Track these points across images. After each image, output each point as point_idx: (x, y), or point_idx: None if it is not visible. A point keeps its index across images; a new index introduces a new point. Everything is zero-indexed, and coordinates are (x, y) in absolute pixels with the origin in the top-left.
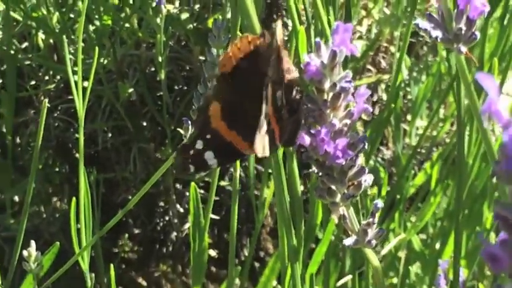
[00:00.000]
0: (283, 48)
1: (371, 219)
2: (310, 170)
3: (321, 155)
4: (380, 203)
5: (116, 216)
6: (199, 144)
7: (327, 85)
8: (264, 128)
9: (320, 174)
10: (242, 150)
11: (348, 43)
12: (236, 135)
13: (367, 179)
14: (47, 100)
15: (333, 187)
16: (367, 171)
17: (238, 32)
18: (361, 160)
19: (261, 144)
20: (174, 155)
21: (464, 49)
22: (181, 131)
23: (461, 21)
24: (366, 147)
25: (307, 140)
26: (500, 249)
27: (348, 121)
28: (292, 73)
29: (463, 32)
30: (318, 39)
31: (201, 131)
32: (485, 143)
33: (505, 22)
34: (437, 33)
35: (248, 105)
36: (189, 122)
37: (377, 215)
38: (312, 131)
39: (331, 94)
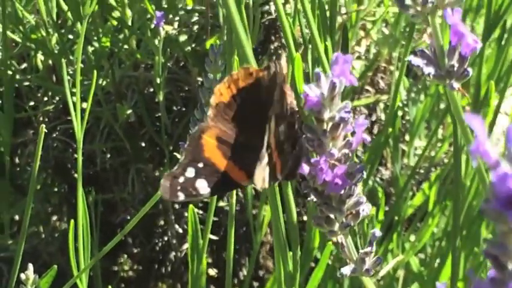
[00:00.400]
0: (287, 83)
1: (369, 248)
2: (309, 199)
3: (320, 184)
4: (378, 232)
5: (114, 238)
6: (190, 173)
7: (326, 115)
8: (265, 160)
9: (318, 203)
10: (238, 180)
11: (347, 74)
12: (233, 165)
13: (365, 208)
14: (43, 126)
15: (331, 216)
16: (365, 200)
17: (236, 57)
18: (359, 189)
19: (261, 176)
20: (162, 181)
21: (456, 85)
22: (178, 156)
23: (454, 58)
24: (365, 175)
25: (306, 169)
26: (489, 287)
27: (347, 151)
28: (295, 108)
29: (455, 68)
30: (317, 69)
31: (193, 159)
32: (480, 178)
33: (503, 43)
34: (429, 70)
35: (246, 137)
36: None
37: (374, 243)
38: (311, 160)
39: (330, 124)
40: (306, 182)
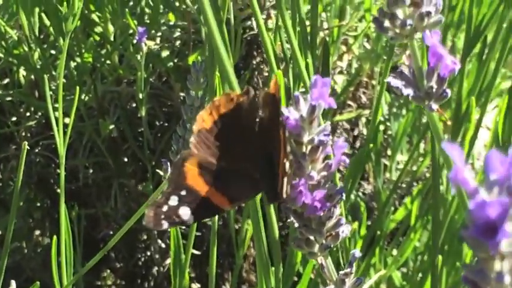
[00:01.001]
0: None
1: (349, 269)
2: (289, 221)
3: (299, 206)
4: (358, 252)
5: (97, 254)
6: (173, 201)
7: (305, 138)
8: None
9: (298, 225)
10: (220, 205)
11: (326, 97)
12: (214, 191)
13: (345, 229)
14: (26, 143)
15: (311, 237)
16: (344, 221)
17: (217, 73)
18: (338, 210)
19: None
20: (146, 211)
21: (435, 107)
22: (161, 172)
23: (432, 79)
24: (344, 197)
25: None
26: None
27: (326, 173)
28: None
29: (434, 90)
30: (296, 93)
31: (175, 187)
32: (462, 203)
33: (484, 57)
34: (408, 91)
35: (228, 161)
36: (168, 164)
37: (354, 264)
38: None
39: (309, 147)
40: (285, 204)
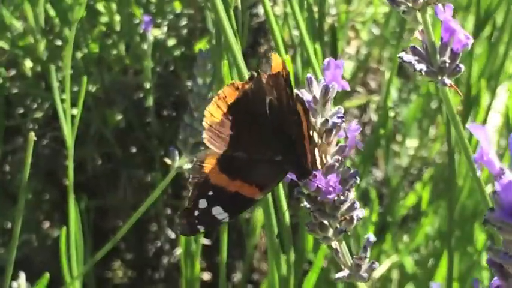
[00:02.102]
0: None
1: (363, 254)
2: (302, 205)
3: (313, 191)
4: (372, 236)
5: (107, 245)
6: (202, 204)
7: (319, 120)
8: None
9: (312, 209)
10: (251, 196)
11: (339, 79)
12: (241, 183)
13: (359, 213)
14: (33, 133)
15: (325, 222)
16: (358, 205)
17: (225, 61)
18: (352, 195)
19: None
20: (178, 221)
21: (448, 81)
22: (168, 161)
23: (446, 54)
24: (358, 180)
25: None
26: None
27: (339, 157)
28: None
29: (447, 64)
30: (309, 75)
31: (201, 190)
32: (479, 188)
33: (493, 40)
34: (421, 66)
35: (247, 149)
36: (176, 152)
37: (369, 248)
38: None
39: (323, 130)
40: (298, 188)
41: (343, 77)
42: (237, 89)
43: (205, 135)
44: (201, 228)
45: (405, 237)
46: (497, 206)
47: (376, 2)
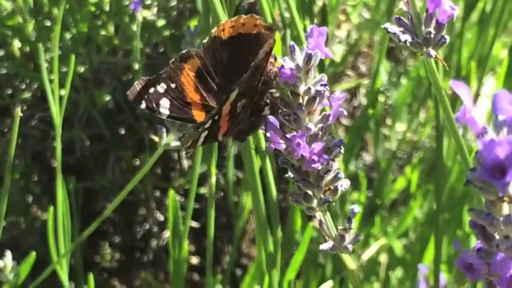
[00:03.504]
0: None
1: (347, 225)
2: (286, 175)
3: (297, 160)
4: (357, 207)
5: (94, 223)
6: (161, 88)
7: (302, 89)
8: (207, 125)
9: (296, 179)
10: (195, 117)
11: (322, 47)
12: (198, 100)
13: (344, 183)
14: (19, 109)
15: (309, 192)
16: (343, 175)
17: None
18: (337, 165)
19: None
20: (135, 83)
21: (433, 53)
22: (156, 138)
23: (431, 25)
24: (343, 151)
25: (282, 144)
26: (476, 258)
27: (324, 125)
28: (272, 78)
29: (432, 35)
30: (292, 42)
31: (169, 76)
32: (460, 151)
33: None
34: (406, 37)
35: (222, 81)
36: (163, 129)
37: (354, 220)
38: (287, 135)
39: (306, 98)
40: (282, 158)
41: (330, 64)
42: (255, 26)
43: (205, 41)
44: (142, 104)
45: (394, 221)
46: (479, 165)
47: None
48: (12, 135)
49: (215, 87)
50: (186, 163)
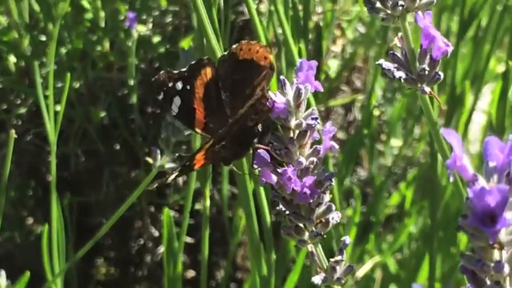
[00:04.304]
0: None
1: (339, 257)
2: (277, 208)
3: (288, 194)
4: (348, 239)
5: (89, 242)
6: (179, 84)
7: (293, 122)
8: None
9: (287, 212)
10: (193, 125)
11: (312, 80)
12: (201, 109)
13: (335, 216)
14: (13, 131)
15: (301, 225)
16: (334, 208)
17: None
18: (328, 197)
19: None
20: (162, 72)
21: (428, 89)
22: (150, 160)
23: (425, 61)
24: (333, 183)
25: (274, 178)
26: None
27: (315, 159)
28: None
29: (426, 72)
30: (282, 77)
31: (187, 78)
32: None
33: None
34: (400, 74)
35: (224, 99)
36: (158, 151)
37: (345, 251)
38: (279, 170)
39: (297, 132)
40: (274, 192)
41: (325, 79)
42: (266, 58)
43: (226, 54)
44: (160, 95)
45: (388, 237)
46: (470, 212)
47: (361, 0)
48: (7, 157)
49: (218, 102)
50: (180, 179)
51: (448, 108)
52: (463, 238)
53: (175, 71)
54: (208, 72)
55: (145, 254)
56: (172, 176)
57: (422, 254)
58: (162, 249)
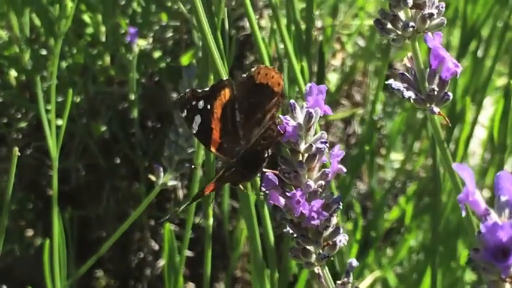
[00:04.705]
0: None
1: (346, 279)
2: (285, 230)
3: (296, 217)
4: (355, 262)
5: (90, 260)
6: (201, 104)
7: (302, 146)
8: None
9: (295, 235)
10: (210, 145)
11: (322, 104)
12: (218, 130)
13: (342, 238)
14: (17, 149)
15: (308, 247)
16: (342, 230)
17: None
18: (335, 220)
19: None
20: (187, 91)
21: (437, 109)
22: (153, 178)
23: (434, 82)
24: (341, 206)
25: (281, 201)
26: None
27: (323, 182)
28: (274, 135)
29: (435, 92)
30: (292, 100)
31: (209, 97)
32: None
33: (479, 55)
34: (410, 94)
35: (240, 121)
36: (160, 168)
37: (352, 274)
38: (287, 193)
39: (306, 155)
40: (282, 214)
41: (326, 90)
42: (279, 84)
43: (244, 77)
44: (184, 112)
45: (388, 251)
46: (481, 246)
47: (361, 14)
48: (10, 174)
49: (233, 123)
50: (181, 193)
51: (447, 125)
52: (463, 253)
53: (199, 90)
54: (227, 93)
55: (145, 267)
56: (183, 206)
57: (422, 269)
58: (162, 262)
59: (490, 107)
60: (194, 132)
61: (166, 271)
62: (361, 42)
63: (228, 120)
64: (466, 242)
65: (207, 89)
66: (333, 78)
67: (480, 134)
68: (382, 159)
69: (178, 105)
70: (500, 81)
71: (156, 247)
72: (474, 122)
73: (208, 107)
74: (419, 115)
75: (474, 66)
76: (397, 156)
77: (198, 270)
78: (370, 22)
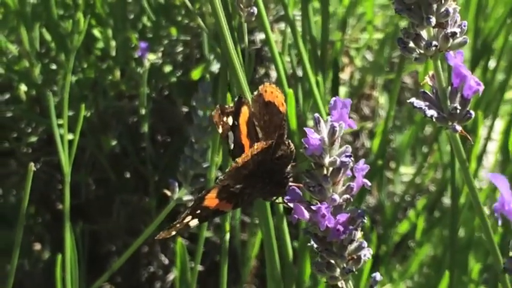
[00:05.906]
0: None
1: None
2: (309, 244)
3: (321, 231)
4: (379, 276)
5: (102, 277)
6: (229, 121)
7: (327, 160)
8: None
9: (320, 249)
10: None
11: (346, 118)
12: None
13: (367, 253)
14: (32, 164)
15: (333, 261)
16: (366, 244)
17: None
18: (360, 234)
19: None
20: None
21: (459, 128)
22: (168, 193)
23: (456, 100)
24: (365, 220)
25: (306, 214)
26: None
27: (348, 196)
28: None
29: (457, 111)
30: (316, 114)
31: (235, 114)
32: (486, 234)
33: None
34: (432, 113)
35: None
36: (175, 184)
37: None
38: (313, 207)
39: (330, 169)
40: (306, 228)
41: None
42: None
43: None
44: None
45: (398, 266)
46: None
47: (370, 28)
48: (25, 191)
49: (258, 139)
50: None
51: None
52: (475, 266)
53: (226, 106)
54: (245, 110)
55: (155, 281)
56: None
57: (433, 282)
58: (171, 276)
59: (499, 119)
60: (230, 149)
61: (178, 286)
62: (369, 56)
63: (253, 136)
64: (477, 255)
65: (231, 105)
66: (341, 92)
67: (491, 147)
68: (391, 173)
69: (212, 122)
70: (510, 94)
71: (166, 261)
72: (487, 137)
73: (236, 123)
74: (428, 128)
75: (484, 78)
76: (406, 170)
77: (207, 284)
78: (379, 36)
